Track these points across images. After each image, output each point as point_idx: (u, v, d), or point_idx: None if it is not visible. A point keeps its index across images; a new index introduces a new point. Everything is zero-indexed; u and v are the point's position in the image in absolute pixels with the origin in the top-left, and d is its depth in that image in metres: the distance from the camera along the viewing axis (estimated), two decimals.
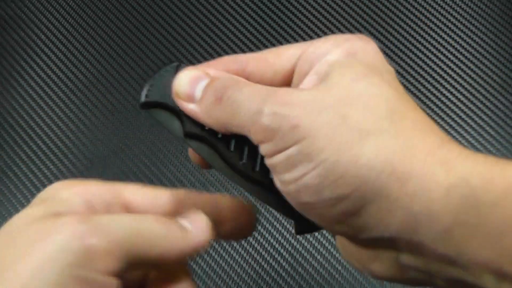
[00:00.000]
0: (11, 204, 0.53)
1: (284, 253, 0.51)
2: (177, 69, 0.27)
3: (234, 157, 0.27)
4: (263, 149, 0.24)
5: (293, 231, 0.30)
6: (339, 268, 0.50)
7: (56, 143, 0.55)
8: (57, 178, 0.54)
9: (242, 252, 0.51)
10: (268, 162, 0.24)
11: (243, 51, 0.58)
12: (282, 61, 0.27)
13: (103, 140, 0.55)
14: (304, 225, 0.27)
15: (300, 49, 0.27)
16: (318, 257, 0.50)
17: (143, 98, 0.27)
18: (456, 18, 0.58)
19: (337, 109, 0.23)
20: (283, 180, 0.24)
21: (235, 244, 0.51)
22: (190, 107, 0.26)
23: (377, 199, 0.22)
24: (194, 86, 0.27)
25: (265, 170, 0.26)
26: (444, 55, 0.57)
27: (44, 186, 0.53)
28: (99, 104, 0.57)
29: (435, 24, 0.58)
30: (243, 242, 0.51)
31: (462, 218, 0.21)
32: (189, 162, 0.54)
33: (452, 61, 0.57)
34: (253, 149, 0.26)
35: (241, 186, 0.28)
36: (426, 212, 0.21)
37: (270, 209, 0.52)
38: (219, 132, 0.26)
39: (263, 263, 0.50)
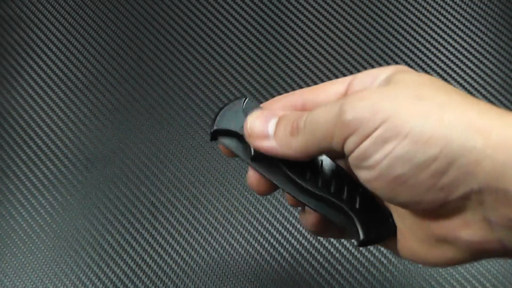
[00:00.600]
0: (11, 204, 0.53)
1: (284, 253, 0.51)
2: (244, 103, 0.31)
3: (298, 174, 0.30)
4: (349, 143, 0.27)
5: (355, 243, 0.32)
6: (339, 268, 0.50)
7: (56, 143, 0.55)
8: (57, 178, 0.54)
9: (242, 252, 0.51)
10: (356, 152, 0.26)
11: (244, 52, 0.58)
12: (329, 96, 0.32)
13: (103, 140, 0.55)
14: (367, 235, 0.30)
15: (345, 83, 0.31)
16: (318, 257, 0.50)
17: (214, 127, 0.32)
18: (456, 18, 0.58)
19: (411, 92, 0.26)
20: (373, 162, 0.26)
21: (235, 244, 0.51)
22: (266, 145, 0.30)
23: (465, 153, 0.24)
24: (266, 124, 0.30)
25: (327, 187, 0.30)
26: (444, 55, 0.57)
27: (44, 186, 0.54)
28: (99, 104, 0.57)
29: (435, 24, 0.58)
30: (243, 242, 0.51)
31: None
32: (189, 162, 0.54)
33: (452, 61, 0.57)
34: (316, 167, 0.31)
35: (306, 202, 0.31)
36: (510, 160, 0.24)
37: (270, 208, 0.52)
38: (295, 160, 0.29)
39: (263, 263, 0.50)
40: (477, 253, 0.27)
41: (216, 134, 0.32)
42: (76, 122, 0.56)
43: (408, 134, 0.25)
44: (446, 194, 0.25)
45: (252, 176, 0.32)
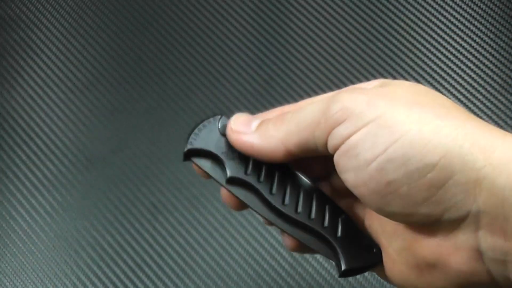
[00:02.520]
0: (11, 204, 0.53)
1: (284, 253, 0.50)
2: (220, 121, 0.29)
3: (276, 199, 0.28)
4: (336, 135, 0.24)
5: (335, 273, 0.30)
6: None
7: (56, 143, 0.55)
8: (57, 178, 0.54)
9: (242, 252, 0.51)
10: (343, 148, 0.24)
11: (244, 52, 0.58)
12: None
13: (103, 140, 0.55)
14: (349, 264, 0.28)
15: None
16: (318, 256, 0.50)
17: (188, 146, 0.29)
18: (456, 18, 0.58)
19: (408, 97, 0.24)
20: (362, 162, 0.23)
21: (235, 244, 0.51)
22: (245, 139, 0.28)
23: (465, 169, 0.22)
24: (250, 121, 0.28)
25: (307, 212, 0.28)
26: (444, 55, 0.57)
27: (44, 186, 0.53)
28: (99, 104, 0.57)
29: (435, 24, 0.58)
30: (243, 242, 0.51)
31: None
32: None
33: (452, 61, 0.57)
34: (295, 192, 0.28)
35: (283, 228, 0.29)
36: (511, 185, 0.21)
37: None
38: (272, 158, 0.27)
39: (263, 263, 0.50)
40: (466, 284, 0.24)
41: (189, 154, 0.30)
42: (76, 122, 0.56)
43: (404, 134, 0.22)
44: (442, 211, 0.23)
45: (226, 194, 0.30)
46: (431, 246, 0.24)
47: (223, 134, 0.29)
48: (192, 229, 0.52)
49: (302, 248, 0.30)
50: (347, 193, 0.27)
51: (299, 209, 0.28)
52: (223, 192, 0.30)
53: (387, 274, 0.28)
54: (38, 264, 0.51)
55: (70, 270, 0.51)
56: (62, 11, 0.61)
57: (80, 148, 0.55)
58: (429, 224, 0.24)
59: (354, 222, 0.29)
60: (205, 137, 0.29)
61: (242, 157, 0.29)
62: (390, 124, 0.23)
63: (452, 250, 0.24)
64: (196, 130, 0.30)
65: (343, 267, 0.28)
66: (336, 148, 0.24)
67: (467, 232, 0.23)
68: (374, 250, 0.28)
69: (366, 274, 0.49)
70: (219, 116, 0.30)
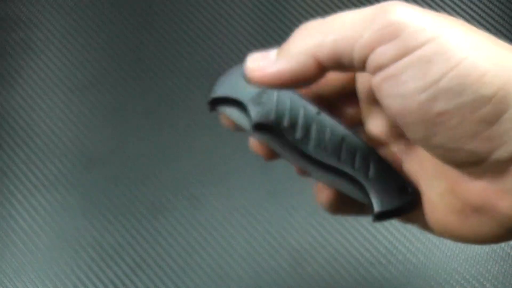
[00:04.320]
0: (11, 204, 0.53)
1: (284, 253, 0.51)
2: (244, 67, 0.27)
3: (301, 143, 0.27)
4: (380, 54, 0.21)
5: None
6: (339, 268, 0.50)
7: (56, 143, 0.55)
8: (57, 178, 0.54)
9: (242, 252, 0.51)
10: (388, 71, 0.21)
11: (245, 53, 0.58)
12: None
13: (103, 140, 0.55)
14: (382, 206, 0.26)
15: None
16: (317, 256, 0.50)
17: (212, 95, 0.28)
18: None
19: (464, 24, 0.22)
20: (411, 90, 0.21)
21: (234, 244, 0.51)
22: (269, 70, 0.25)
23: None
24: (267, 55, 0.25)
25: (336, 154, 0.27)
26: None
27: (44, 186, 0.53)
28: (99, 104, 0.57)
29: None
30: (242, 242, 0.51)
31: None
32: (189, 162, 0.54)
33: None
34: (322, 134, 0.27)
35: (313, 174, 0.28)
36: None
37: (270, 208, 0.52)
38: (304, 78, 0.24)
39: (262, 263, 0.50)
40: None
41: (215, 103, 0.29)
42: (76, 122, 0.56)
43: (460, 63, 0.20)
44: (491, 148, 0.21)
45: (255, 143, 0.29)
46: (477, 189, 0.23)
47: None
48: (192, 229, 0.52)
49: (339, 204, 0.28)
50: (381, 140, 0.26)
51: (328, 151, 0.27)
52: (252, 141, 0.29)
53: (428, 220, 0.26)
54: (38, 264, 0.51)
55: (70, 270, 0.51)
56: (62, 11, 0.61)
57: (80, 148, 0.55)
58: (474, 164, 0.22)
59: (388, 162, 0.27)
60: (229, 85, 0.28)
61: (271, 103, 0.27)
62: (446, 49, 0.20)
63: (501, 195, 0.22)
64: (221, 78, 0.29)
65: (375, 209, 0.26)
66: (378, 69, 0.22)
67: None
68: (410, 190, 0.26)
69: (364, 274, 0.49)
70: (242, 64, 0.28)
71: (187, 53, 0.58)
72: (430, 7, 0.59)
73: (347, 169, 0.26)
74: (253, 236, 0.51)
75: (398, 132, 0.26)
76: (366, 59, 0.22)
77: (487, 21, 0.58)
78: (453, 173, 0.24)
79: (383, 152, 0.27)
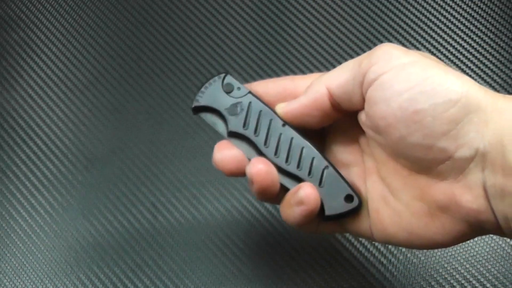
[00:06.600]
0: (11, 204, 0.53)
1: (284, 253, 0.51)
2: (224, 78, 0.33)
3: (270, 151, 0.32)
4: (374, 69, 0.28)
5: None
6: (338, 268, 0.50)
7: (56, 143, 0.55)
8: (57, 178, 0.54)
9: (242, 252, 0.51)
10: (379, 81, 0.28)
11: (244, 53, 0.58)
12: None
13: (103, 140, 0.55)
14: (330, 211, 0.32)
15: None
16: (317, 257, 0.50)
17: (194, 103, 0.34)
18: (456, 18, 0.58)
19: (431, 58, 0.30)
20: (396, 92, 0.27)
21: (234, 244, 0.51)
22: (294, 105, 0.32)
23: (478, 110, 0.26)
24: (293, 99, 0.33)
25: (295, 163, 0.32)
26: (444, 55, 0.57)
27: (44, 186, 0.54)
28: (99, 104, 0.57)
29: (435, 24, 0.58)
30: (242, 242, 0.51)
31: None
32: (189, 162, 0.54)
33: (452, 61, 0.57)
34: (287, 145, 0.32)
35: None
36: (510, 128, 0.26)
37: (270, 208, 0.52)
38: (319, 107, 0.31)
39: (262, 263, 0.50)
40: (474, 225, 0.27)
41: (197, 110, 0.34)
42: (76, 122, 0.56)
43: (434, 75, 0.27)
44: (456, 146, 0.26)
45: (217, 161, 0.33)
46: (444, 188, 0.28)
47: (227, 91, 0.33)
48: (192, 229, 0.52)
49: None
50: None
51: (289, 160, 0.32)
52: (214, 159, 0.34)
53: (384, 230, 0.31)
54: (38, 264, 0.51)
55: (70, 270, 0.51)
56: (62, 11, 0.61)
57: (80, 148, 0.55)
58: (442, 162, 0.27)
59: (340, 174, 0.32)
60: (210, 95, 0.33)
61: (243, 113, 0.33)
62: (422, 65, 0.27)
63: (464, 190, 0.27)
64: (202, 88, 0.34)
65: (326, 213, 0.32)
66: (371, 83, 0.28)
67: (475, 172, 0.26)
68: (354, 199, 0.32)
69: (364, 273, 0.49)
70: (223, 74, 0.34)
71: (187, 53, 0.58)
72: (431, 7, 0.59)
73: (304, 176, 0.32)
74: (252, 236, 0.51)
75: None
76: (363, 81, 0.29)
77: (487, 21, 0.58)
78: (420, 180, 0.29)
79: (350, 170, 0.34)
